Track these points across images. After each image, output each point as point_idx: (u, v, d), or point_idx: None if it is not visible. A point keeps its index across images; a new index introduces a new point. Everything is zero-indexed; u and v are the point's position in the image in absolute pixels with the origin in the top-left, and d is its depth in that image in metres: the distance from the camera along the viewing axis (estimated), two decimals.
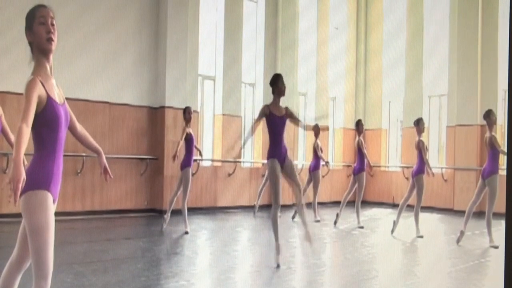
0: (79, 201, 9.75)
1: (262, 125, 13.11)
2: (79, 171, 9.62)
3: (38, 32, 2.69)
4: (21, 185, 2.35)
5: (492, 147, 7.47)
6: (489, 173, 7.42)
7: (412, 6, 14.33)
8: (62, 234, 6.95)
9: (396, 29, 14.92)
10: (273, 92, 6.17)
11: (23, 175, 2.37)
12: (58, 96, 2.76)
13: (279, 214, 5.95)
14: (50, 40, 2.69)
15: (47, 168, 2.66)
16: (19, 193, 2.35)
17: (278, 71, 13.10)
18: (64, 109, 2.79)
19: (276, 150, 5.93)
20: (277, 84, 6.15)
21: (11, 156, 2.17)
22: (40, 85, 2.61)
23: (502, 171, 7.94)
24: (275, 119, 5.98)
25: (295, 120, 6.25)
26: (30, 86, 2.57)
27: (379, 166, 14.72)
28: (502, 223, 9.25)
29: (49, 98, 2.66)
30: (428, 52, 14.00)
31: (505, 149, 6.60)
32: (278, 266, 5.81)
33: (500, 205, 6.76)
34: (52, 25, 2.72)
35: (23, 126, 2.45)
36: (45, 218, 2.58)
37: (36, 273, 2.58)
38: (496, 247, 7.37)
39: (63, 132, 2.76)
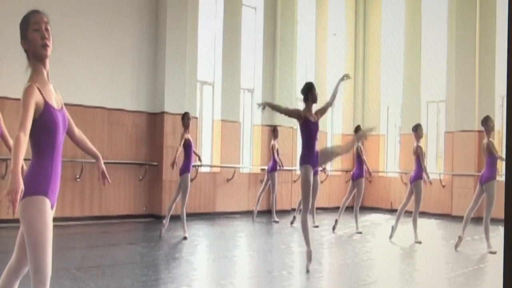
0: (78, 206, 9.75)
1: (261, 133, 13.19)
2: (78, 176, 9.63)
3: (32, 39, 2.67)
4: (19, 196, 2.36)
5: (489, 153, 7.49)
6: (486, 179, 7.44)
7: (410, 13, 14.39)
8: (61, 239, 6.94)
9: (394, 35, 14.97)
10: (307, 100, 6.23)
11: (22, 186, 2.37)
12: (56, 101, 2.75)
13: (308, 220, 5.98)
14: (45, 46, 2.68)
15: (45, 174, 2.65)
16: (17, 204, 2.35)
17: (277, 77, 13.20)
18: (62, 114, 2.78)
19: (310, 155, 5.99)
20: (311, 91, 6.20)
21: (10, 162, 2.18)
22: (37, 92, 2.61)
23: (500, 177, 7.96)
24: (310, 124, 6.07)
25: (325, 108, 6.39)
26: (27, 93, 2.56)
27: (378, 172, 14.73)
28: (500, 228, 9.27)
29: (47, 104, 2.65)
30: (426, 58, 14.04)
31: (503, 155, 6.59)
32: (308, 271, 5.87)
33: (498, 210, 6.77)
34: (47, 30, 2.70)
35: (21, 135, 2.44)
36: (43, 224, 2.58)
37: (34, 279, 2.57)
38: (494, 253, 7.38)
39: (61, 137, 2.75)
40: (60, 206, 8.98)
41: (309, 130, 6.05)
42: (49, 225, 2.61)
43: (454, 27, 13.00)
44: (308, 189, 5.91)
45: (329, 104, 6.51)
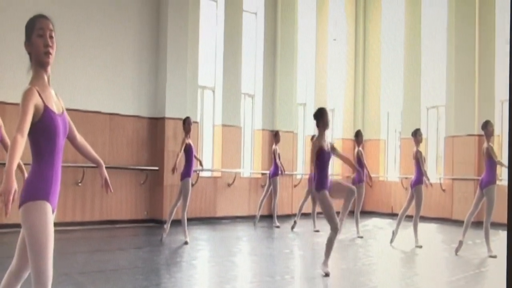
0: (79, 211, 9.76)
1: (262, 137, 13.18)
2: (79, 181, 9.65)
3: (36, 44, 2.67)
4: (12, 197, 2.33)
5: (489, 157, 7.50)
6: (486, 183, 7.45)
7: (410, 18, 14.43)
8: (62, 244, 6.94)
9: (394, 41, 15.01)
10: (318, 126, 6.26)
11: (15, 187, 2.34)
12: (56, 106, 2.75)
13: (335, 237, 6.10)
14: (47, 53, 2.67)
15: (46, 178, 2.66)
16: (10, 205, 2.33)
17: (277, 82, 13.24)
18: (63, 119, 2.78)
19: (326, 181, 6.09)
20: (322, 117, 6.21)
21: None
22: (37, 95, 2.61)
23: (500, 181, 7.97)
24: (324, 154, 6.14)
25: (342, 157, 6.93)
26: (26, 96, 2.56)
27: (378, 176, 14.74)
28: (500, 232, 9.29)
29: (46, 108, 2.65)
30: (426, 63, 14.06)
31: (502, 160, 6.62)
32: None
33: (498, 215, 6.79)
34: (51, 37, 2.70)
35: (18, 136, 2.44)
36: (44, 228, 2.58)
37: (35, 284, 2.57)
38: (494, 257, 7.38)
39: (61, 141, 2.75)
40: (62, 211, 9.00)
41: (323, 158, 6.13)
42: (50, 230, 2.61)
43: (453, 32, 13.03)
44: (332, 212, 5.99)
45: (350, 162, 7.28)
